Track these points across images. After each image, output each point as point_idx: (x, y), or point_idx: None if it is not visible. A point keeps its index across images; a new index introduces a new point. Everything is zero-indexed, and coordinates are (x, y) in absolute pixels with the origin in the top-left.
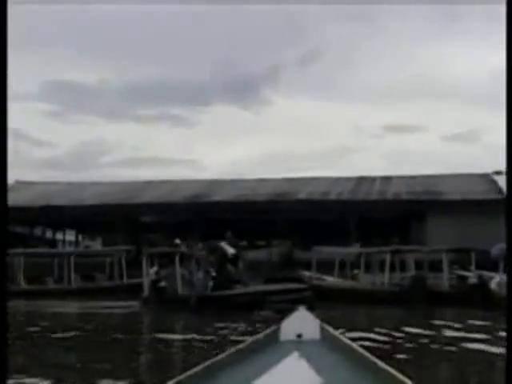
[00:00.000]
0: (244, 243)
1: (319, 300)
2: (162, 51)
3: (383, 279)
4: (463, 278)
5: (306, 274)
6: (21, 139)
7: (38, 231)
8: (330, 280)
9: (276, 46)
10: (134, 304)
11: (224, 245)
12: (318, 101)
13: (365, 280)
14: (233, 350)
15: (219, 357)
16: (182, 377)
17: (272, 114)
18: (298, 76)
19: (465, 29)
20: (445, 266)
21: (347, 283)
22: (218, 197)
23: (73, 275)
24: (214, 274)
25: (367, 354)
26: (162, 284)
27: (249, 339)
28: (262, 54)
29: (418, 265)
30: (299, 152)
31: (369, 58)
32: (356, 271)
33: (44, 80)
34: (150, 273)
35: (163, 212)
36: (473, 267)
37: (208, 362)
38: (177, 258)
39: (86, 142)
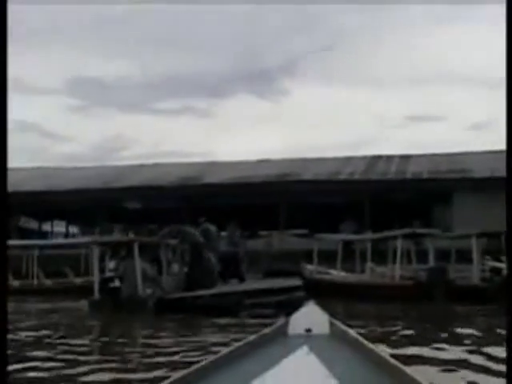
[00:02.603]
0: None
1: (316, 297)
2: (181, 45)
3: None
4: (498, 271)
5: (309, 267)
6: (43, 134)
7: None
8: (335, 274)
9: (293, 37)
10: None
11: (193, 230)
12: (337, 90)
13: (378, 272)
14: (241, 343)
15: (227, 350)
16: (189, 370)
17: (291, 104)
18: (316, 66)
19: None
20: (475, 254)
21: (352, 277)
22: (211, 179)
23: (36, 270)
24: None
25: (376, 349)
26: (116, 283)
27: (257, 334)
28: (280, 45)
29: (445, 255)
30: (319, 141)
31: (385, 47)
32: (370, 264)
33: (67, 75)
34: (110, 268)
35: (150, 197)
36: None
37: (216, 356)
38: (136, 248)
39: (107, 136)
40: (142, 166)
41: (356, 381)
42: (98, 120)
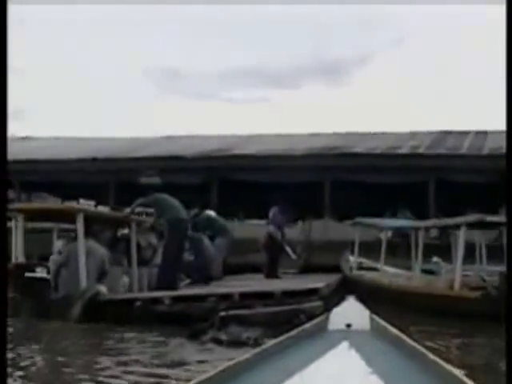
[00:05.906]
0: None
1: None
2: (254, 36)
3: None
4: None
5: (351, 260)
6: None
7: None
8: (381, 270)
9: (362, 31)
10: None
11: (174, 201)
12: (406, 84)
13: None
14: (281, 338)
15: (268, 345)
16: (232, 363)
17: (360, 96)
18: (384, 59)
19: None
20: None
21: (400, 278)
22: (241, 151)
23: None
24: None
25: (417, 345)
26: (39, 272)
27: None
28: (352, 39)
29: None
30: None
31: (453, 42)
32: (436, 259)
33: (141, 64)
34: (56, 250)
35: (166, 171)
36: None
37: (257, 350)
38: (80, 223)
39: (176, 124)
40: (168, 137)
41: (396, 377)
42: (169, 108)
